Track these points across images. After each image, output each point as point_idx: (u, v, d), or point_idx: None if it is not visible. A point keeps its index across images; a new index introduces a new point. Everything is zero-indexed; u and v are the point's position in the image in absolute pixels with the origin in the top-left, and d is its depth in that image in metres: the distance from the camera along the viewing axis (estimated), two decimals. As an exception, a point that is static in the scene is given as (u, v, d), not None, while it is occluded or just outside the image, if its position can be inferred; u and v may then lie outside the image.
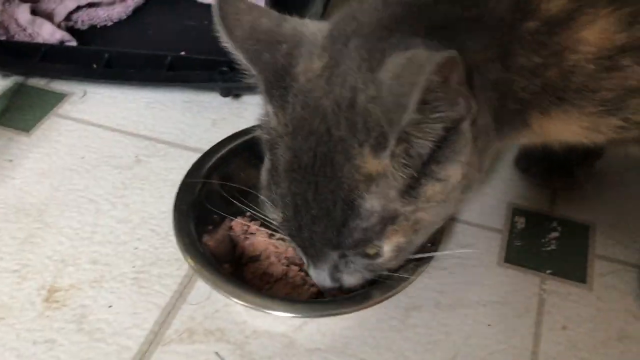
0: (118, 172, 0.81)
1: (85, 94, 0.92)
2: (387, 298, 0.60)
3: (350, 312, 0.60)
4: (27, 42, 0.93)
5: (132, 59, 0.91)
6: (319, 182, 0.51)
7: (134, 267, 0.69)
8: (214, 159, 0.73)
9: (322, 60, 0.52)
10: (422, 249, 0.61)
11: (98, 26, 1.00)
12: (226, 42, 0.54)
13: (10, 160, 0.81)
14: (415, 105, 0.44)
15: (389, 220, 0.52)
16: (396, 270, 0.59)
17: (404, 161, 0.49)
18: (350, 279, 0.58)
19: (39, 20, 0.94)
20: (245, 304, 0.60)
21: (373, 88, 0.47)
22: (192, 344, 0.62)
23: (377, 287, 0.61)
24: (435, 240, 0.65)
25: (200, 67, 0.88)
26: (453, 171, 0.52)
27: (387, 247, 0.54)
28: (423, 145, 0.49)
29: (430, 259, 0.63)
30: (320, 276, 0.58)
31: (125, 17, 1.01)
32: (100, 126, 0.87)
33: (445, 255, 0.72)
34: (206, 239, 0.67)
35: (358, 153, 0.49)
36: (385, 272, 0.59)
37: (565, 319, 0.66)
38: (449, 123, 0.49)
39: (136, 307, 0.66)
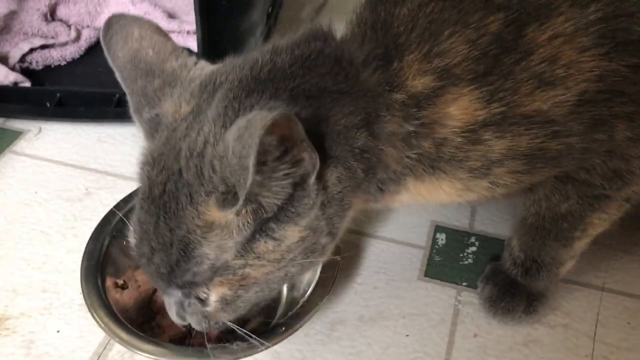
0: (69, 204, 0.86)
1: (40, 130, 0.98)
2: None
3: None
4: (-18, 85, 0.99)
5: (83, 97, 0.97)
6: (161, 217, 0.52)
7: (81, 293, 0.74)
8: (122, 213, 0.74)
9: (189, 105, 0.54)
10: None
11: (52, 66, 1.06)
12: (109, 58, 0.58)
13: (-33, 197, 0.87)
14: (254, 168, 0.45)
15: (218, 269, 0.53)
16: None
17: (250, 217, 0.51)
18: (192, 320, 0.58)
19: (-7, 63, 1.00)
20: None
21: (221, 146, 0.49)
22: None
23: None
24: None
25: (146, 103, 0.94)
26: (290, 232, 0.53)
27: (213, 297, 0.55)
28: (270, 204, 0.51)
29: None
30: (169, 309, 0.59)
31: (78, 56, 1.07)
32: (53, 161, 0.93)
33: (370, 272, 0.78)
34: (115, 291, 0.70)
35: (203, 201, 0.50)
36: (225, 325, 0.59)
37: (477, 327, 0.73)
38: (296, 179, 0.50)
39: (82, 330, 0.71)
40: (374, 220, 0.85)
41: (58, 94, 0.96)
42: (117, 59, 0.58)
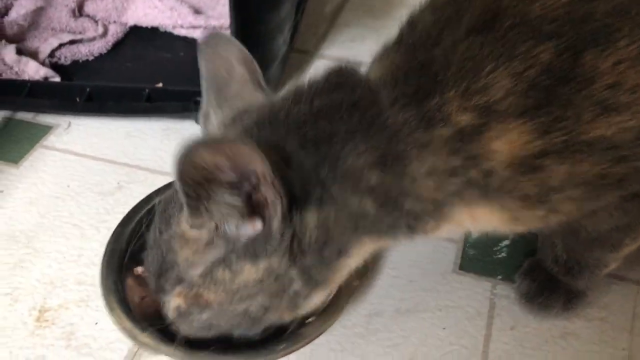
0: (101, 198, 0.86)
1: (69, 125, 0.98)
2: None
3: None
4: (13, 80, 1.00)
5: (112, 92, 0.97)
6: (162, 216, 0.56)
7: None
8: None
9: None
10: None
11: (80, 61, 1.06)
12: (200, 68, 0.60)
13: (1, 191, 0.87)
14: (180, 184, 0.47)
15: (180, 279, 0.55)
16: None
17: (208, 237, 0.52)
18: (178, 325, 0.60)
19: (24, 58, 1.00)
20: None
21: None
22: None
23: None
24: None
25: (176, 97, 0.95)
26: (247, 269, 0.53)
27: (172, 304, 0.57)
28: (227, 227, 0.52)
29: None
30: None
31: (105, 51, 1.08)
32: (83, 156, 0.93)
33: (405, 265, 0.78)
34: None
35: (182, 210, 0.53)
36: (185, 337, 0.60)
37: (514, 320, 0.73)
38: (247, 213, 0.50)
39: (120, 323, 0.71)
40: (406, 214, 0.85)
41: (87, 89, 0.96)
42: (205, 71, 0.60)
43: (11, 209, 0.85)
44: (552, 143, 0.50)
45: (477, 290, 0.76)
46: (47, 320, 0.72)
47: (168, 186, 0.75)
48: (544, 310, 0.72)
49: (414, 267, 0.78)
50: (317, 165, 0.51)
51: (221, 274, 0.53)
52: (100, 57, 1.08)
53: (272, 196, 0.49)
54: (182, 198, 0.48)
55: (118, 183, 0.89)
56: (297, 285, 0.54)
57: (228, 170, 0.47)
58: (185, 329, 0.59)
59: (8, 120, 0.98)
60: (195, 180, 0.47)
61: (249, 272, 0.53)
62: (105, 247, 0.71)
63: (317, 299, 0.57)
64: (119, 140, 0.96)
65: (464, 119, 0.51)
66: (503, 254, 0.80)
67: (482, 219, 0.56)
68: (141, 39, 1.11)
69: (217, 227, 0.52)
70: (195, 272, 0.54)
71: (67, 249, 0.80)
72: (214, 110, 0.59)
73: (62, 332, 0.70)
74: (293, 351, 0.63)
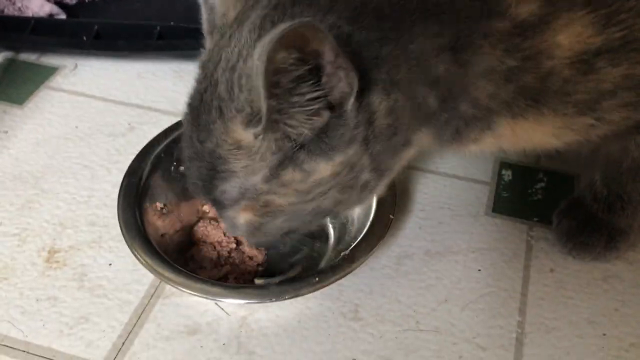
0: (112, 139, 0.82)
1: (76, 66, 0.93)
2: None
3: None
4: (16, 16, 0.94)
5: (122, 29, 0.92)
6: (195, 127, 0.50)
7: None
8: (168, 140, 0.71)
9: (235, 10, 0.51)
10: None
11: (86, 0, 1.01)
12: None
13: (5, 132, 0.83)
14: (265, 91, 0.41)
15: (245, 192, 0.51)
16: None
17: (274, 144, 0.48)
18: (243, 234, 0.57)
19: (28, -6, 0.95)
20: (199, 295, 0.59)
21: (249, 62, 0.45)
22: (192, 296, 0.64)
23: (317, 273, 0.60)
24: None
25: (189, 35, 0.89)
26: (322, 166, 0.49)
27: (241, 220, 0.54)
28: (298, 133, 0.47)
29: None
30: (225, 223, 0.57)
31: (113, -10, 1.02)
32: (92, 97, 0.88)
33: (434, 207, 0.74)
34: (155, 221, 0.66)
35: (232, 117, 0.47)
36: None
37: (553, 262, 0.69)
38: (327, 104, 0.46)
39: (136, 264, 0.66)
40: (434, 156, 0.80)
41: (96, 26, 0.91)
42: None
43: (17, 149, 0.80)
44: (610, 39, 0.47)
45: (513, 232, 0.72)
46: (57, 262, 0.67)
47: (178, 124, 0.71)
48: (585, 250, 0.67)
49: (444, 208, 0.74)
50: (382, 44, 0.46)
51: (291, 175, 0.49)
52: (108, -2, 1.02)
53: (343, 74, 0.44)
54: (263, 103, 0.42)
55: (129, 124, 0.84)
56: (366, 174, 0.51)
57: (300, 60, 0.42)
58: (255, 239, 0.56)
59: (11, 61, 0.93)
60: (273, 81, 0.42)
61: (325, 167, 0.49)
62: (121, 182, 0.67)
63: (381, 189, 0.56)
64: (129, 81, 0.91)
65: (527, 9, 0.46)
66: (539, 196, 0.76)
67: (524, 135, 0.54)
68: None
69: (286, 133, 0.47)
70: (258, 179, 0.49)
71: (77, 190, 0.75)
72: None
73: (73, 273, 0.66)
74: (327, 285, 0.59)
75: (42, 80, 0.90)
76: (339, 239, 0.68)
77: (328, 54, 0.43)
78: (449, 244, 0.70)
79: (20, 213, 0.72)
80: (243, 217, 0.54)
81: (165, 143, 0.70)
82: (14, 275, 0.66)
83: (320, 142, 0.47)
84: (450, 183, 0.77)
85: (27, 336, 0.60)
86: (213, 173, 0.50)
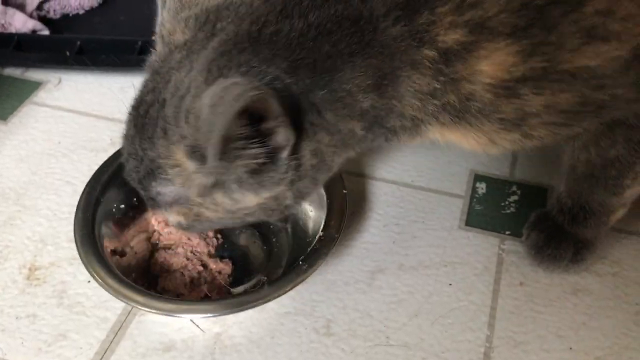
0: (94, 154, 0.83)
1: (60, 81, 0.94)
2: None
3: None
4: (0, 33, 0.95)
5: (104, 45, 0.93)
6: (137, 134, 0.53)
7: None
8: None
9: (184, 35, 0.53)
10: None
11: (70, 15, 1.02)
12: None
13: (-11, 148, 0.84)
14: (218, 146, 0.45)
15: (178, 199, 0.55)
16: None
17: (211, 175, 0.51)
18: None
19: (11, 10, 0.96)
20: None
21: (198, 103, 0.47)
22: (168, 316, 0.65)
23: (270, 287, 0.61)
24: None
25: (170, 50, 0.90)
26: (250, 198, 0.54)
27: (172, 219, 0.58)
28: (235, 168, 0.50)
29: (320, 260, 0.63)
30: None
31: (97, 4, 1.03)
32: (75, 112, 0.90)
33: (408, 221, 0.76)
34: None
35: (176, 141, 0.50)
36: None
37: (523, 276, 0.70)
38: (260, 148, 0.49)
39: (114, 281, 0.69)
40: (410, 169, 0.82)
41: (78, 42, 0.92)
42: None
43: (0, 165, 0.82)
44: (532, 68, 0.49)
45: (484, 246, 0.73)
46: (38, 279, 0.69)
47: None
48: (554, 261, 0.69)
49: (418, 222, 0.75)
50: (313, 91, 0.49)
51: (221, 198, 0.54)
52: (91, 11, 1.03)
53: (283, 130, 0.48)
54: (211, 158, 0.46)
55: (111, 139, 0.85)
56: (289, 200, 0.56)
57: (250, 119, 0.46)
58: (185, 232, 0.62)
59: (-4, 76, 0.95)
60: (224, 140, 0.45)
61: (251, 200, 0.54)
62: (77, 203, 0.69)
63: (298, 204, 0.61)
64: (111, 95, 0.92)
65: (453, 37, 0.49)
66: (512, 209, 0.77)
67: (454, 140, 0.58)
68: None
69: (224, 169, 0.51)
70: (192, 192, 0.54)
71: (58, 207, 0.77)
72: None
73: (53, 290, 0.68)
74: (316, 269, 0.63)
75: (26, 96, 0.92)
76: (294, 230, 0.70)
77: (273, 114, 0.47)
78: (422, 258, 0.72)
79: (2, 230, 0.74)
80: (174, 218, 0.58)
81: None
82: (-6, 292, 0.68)
83: (251, 179, 0.51)
84: (426, 197, 0.79)
85: (5, 354, 0.62)
86: (151, 176, 0.54)
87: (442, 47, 0.49)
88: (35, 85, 0.93)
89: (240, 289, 0.65)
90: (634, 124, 0.57)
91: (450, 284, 0.69)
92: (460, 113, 0.53)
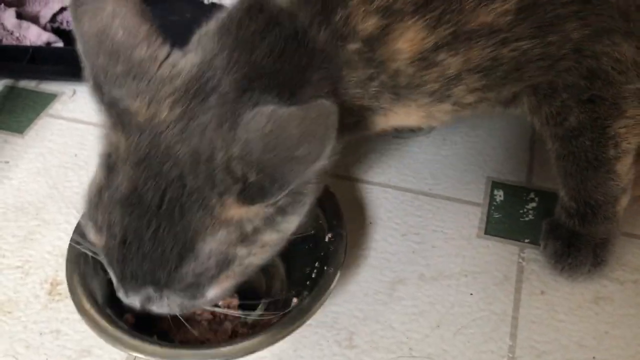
0: (111, 167, 0.83)
1: (74, 93, 0.95)
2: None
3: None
4: (14, 46, 0.96)
5: (118, 56, 0.93)
6: (162, 224, 0.50)
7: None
8: None
9: (175, 110, 0.51)
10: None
11: (83, 25, 1.02)
12: (75, 28, 0.53)
13: (7, 162, 0.84)
14: (323, 156, 0.46)
15: (224, 264, 0.52)
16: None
17: (271, 209, 0.51)
18: (159, 310, 0.55)
19: (25, 23, 0.96)
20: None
21: (238, 146, 0.48)
22: None
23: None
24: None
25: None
26: (293, 223, 0.54)
27: (214, 292, 0.54)
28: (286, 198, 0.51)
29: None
30: (130, 301, 0.55)
31: (109, 15, 1.03)
32: (90, 124, 0.90)
33: (427, 230, 0.76)
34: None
35: (217, 202, 0.49)
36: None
37: (544, 284, 0.70)
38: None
39: (135, 295, 0.69)
40: (427, 177, 0.82)
41: (93, 54, 0.93)
42: (82, 30, 0.52)
43: (19, 179, 0.82)
44: (442, 36, 0.54)
45: (504, 255, 0.73)
46: (60, 294, 0.69)
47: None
48: (575, 269, 0.69)
49: (437, 232, 0.75)
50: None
51: (269, 237, 0.53)
52: (104, 22, 1.03)
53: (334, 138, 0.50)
54: (292, 183, 0.47)
55: (127, 151, 0.86)
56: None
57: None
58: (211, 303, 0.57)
59: (10, 89, 0.95)
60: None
61: (295, 223, 0.55)
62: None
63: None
64: (126, 107, 0.93)
65: (370, 24, 0.53)
66: (530, 216, 0.77)
67: (401, 120, 0.61)
68: (146, 1, 1.06)
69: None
70: (238, 248, 0.52)
71: (77, 220, 0.77)
72: (118, 80, 0.51)
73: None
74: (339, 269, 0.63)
75: (41, 108, 0.92)
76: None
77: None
78: (442, 268, 0.72)
79: (22, 245, 0.74)
80: (219, 288, 0.54)
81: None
82: (17, 308, 0.68)
83: (293, 203, 0.53)
84: (443, 205, 0.79)
85: (31, 371, 0.63)
86: (185, 262, 0.50)
87: (363, 36, 0.54)
88: (51, 98, 0.94)
89: (254, 315, 0.63)
90: (571, 83, 0.60)
91: (471, 294, 0.69)
92: (396, 89, 0.57)
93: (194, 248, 0.50)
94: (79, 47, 0.53)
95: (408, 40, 0.54)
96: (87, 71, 0.53)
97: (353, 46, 0.54)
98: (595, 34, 0.57)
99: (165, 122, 0.51)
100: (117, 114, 0.52)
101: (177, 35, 1.02)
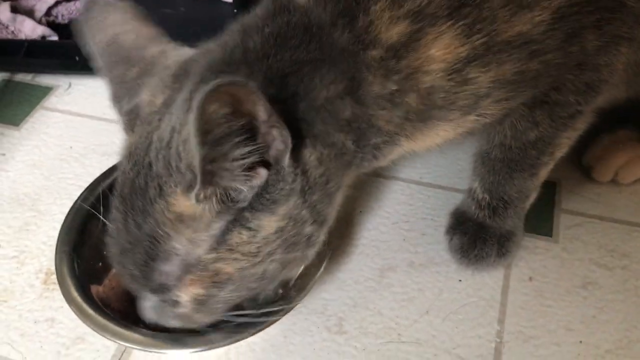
0: (105, 159, 0.84)
1: (70, 86, 0.96)
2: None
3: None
4: (9, 39, 0.97)
5: (113, 49, 0.94)
6: (129, 214, 0.50)
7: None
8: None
9: (163, 95, 0.52)
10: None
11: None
12: (87, 43, 0.55)
13: (3, 154, 0.85)
14: (196, 138, 0.41)
15: (189, 266, 0.50)
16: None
17: (217, 205, 0.48)
18: (170, 323, 0.55)
19: (20, 17, 0.97)
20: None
21: (185, 129, 0.46)
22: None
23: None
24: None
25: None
26: (266, 222, 0.49)
27: (186, 297, 0.52)
28: (236, 189, 0.47)
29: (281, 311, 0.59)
30: (143, 313, 0.56)
31: (104, 8, 1.04)
32: (86, 116, 0.91)
33: (418, 218, 0.76)
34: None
35: (172, 192, 0.47)
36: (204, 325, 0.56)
37: (532, 271, 0.71)
38: (260, 161, 0.47)
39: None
40: (418, 166, 0.82)
41: (87, 47, 0.94)
42: (95, 44, 0.54)
43: (14, 172, 0.83)
44: (474, 47, 0.51)
45: (494, 242, 0.74)
46: (54, 283, 0.70)
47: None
48: (481, 262, 0.69)
49: (427, 219, 0.76)
50: (295, 102, 0.49)
51: (237, 237, 0.49)
52: (99, 15, 1.04)
53: (277, 132, 0.46)
54: (197, 165, 0.44)
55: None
56: (308, 227, 0.52)
57: (235, 117, 0.44)
58: (202, 317, 0.55)
59: (7, 82, 0.96)
60: (205, 129, 0.42)
61: (269, 223, 0.50)
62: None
63: (318, 243, 0.56)
64: (121, 99, 0.93)
65: (396, 31, 0.50)
66: (520, 204, 0.77)
67: (428, 141, 0.59)
68: (141, -5, 1.07)
69: (225, 191, 0.48)
70: (202, 251, 0.49)
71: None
72: (136, 83, 0.53)
73: (70, 294, 0.69)
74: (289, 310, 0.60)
75: (37, 101, 0.93)
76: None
77: (261, 113, 0.45)
78: (432, 255, 0.72)
79: (18, 235, 0.75)
80: (189, 294, 0.52)
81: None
82: (13, 297, 0.69)
83: (262, 198, 0.49)
84: (434, 193, 0.79)
85: (25, 358, 0.63)
86: (153, 255, 0.50)
87: (386, 44, 0.50)
88: (46, 91, 0.95)
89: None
90: (556, 100, 0.58)
91: (460, 280, 0.70)
92: (425, 114, 0.53)
93: (156, 240, 0.49)
94: (96, 62, 0.55)
95: (443, 47, 0.50)
96: (107, 86, 0.56)
97: (374, 53, 0.50)
98: (606, 44, 0.56)
99: (154, 110, 0.52)
100: (131, 119, 0.54)
101: (170, 28, 1.03)
